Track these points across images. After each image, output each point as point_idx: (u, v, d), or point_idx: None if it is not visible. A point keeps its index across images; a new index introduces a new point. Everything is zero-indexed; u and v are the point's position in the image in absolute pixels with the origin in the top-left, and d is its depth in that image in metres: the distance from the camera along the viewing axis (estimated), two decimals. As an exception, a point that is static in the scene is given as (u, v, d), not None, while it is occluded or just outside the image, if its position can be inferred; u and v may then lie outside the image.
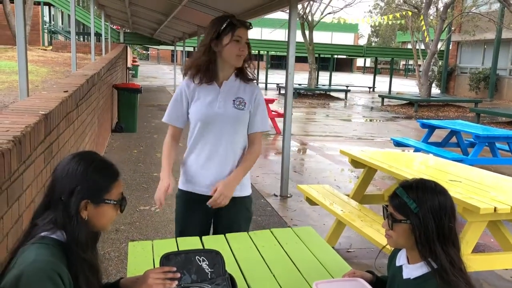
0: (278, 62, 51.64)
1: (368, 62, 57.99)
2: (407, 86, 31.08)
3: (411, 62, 43.37)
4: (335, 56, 32.46)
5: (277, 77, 30.78)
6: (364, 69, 58.14)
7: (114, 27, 21.34)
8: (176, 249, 2.03)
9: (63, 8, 27.27)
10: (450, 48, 25.24)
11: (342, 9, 23.02)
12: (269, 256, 2.00)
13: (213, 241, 2.13)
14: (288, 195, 5.48)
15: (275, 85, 23.75)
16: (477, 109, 15.18)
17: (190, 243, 2.09)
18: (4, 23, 19.37)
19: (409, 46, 27.15)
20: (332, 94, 21.74)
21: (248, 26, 2.21)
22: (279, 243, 2.15)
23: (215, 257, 1.59)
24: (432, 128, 8.13)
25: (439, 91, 24.93)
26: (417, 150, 7.36)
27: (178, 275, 1.52)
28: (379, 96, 19.24)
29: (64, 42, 22.07)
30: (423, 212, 1.44)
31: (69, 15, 28.10)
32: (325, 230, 4.24)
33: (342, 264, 1.96)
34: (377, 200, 4.49)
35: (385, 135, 10.72)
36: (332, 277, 1.83)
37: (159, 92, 18.54)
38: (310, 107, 16.85)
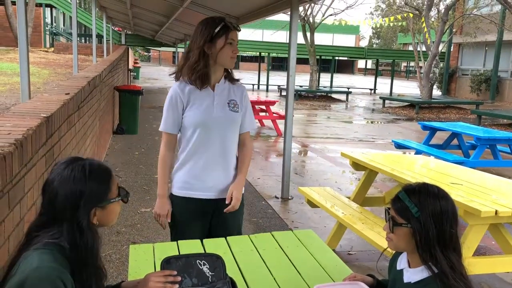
0: (279, 64, 51.69)
1: (370, 64, 57.97)
2: (408, 88, 31.06)
3: (412, 64, 43.33)
4: (336, 58, 32.48)
5: (278, 78, 30.80)
6: (365, 71, 58.13)
7: (115, 28, 21.38)
8: (177, 252, 2.03)
9: (64, 10, 27.34)
10: (452, 50, 25.24)
11: (343, 10, 23.00)
12: (270, 259, 2.00)
13: (214, 244, 2.13)
14: (289, 197, 5.48)
15: (276, 87, 23.76)
16: (479, 111, 15.16)
17: (191, 246, 2.09)
18: (6, 25, 19.43)
19: (410, 48, 27.16)
20: (333, 96, 21.73)
21: (239, 29, 2.24)
22: (280, 246, 2.15)
23: (215, 261, 1.59)
24: (433, 130, 8.13)
25: (440, 93, 24.91)
26: (418, 152, 7.36)
27: (179, 278, 1.52)
28: (380, 98, 19.24)
29: (65, 44, 22.11)
30: (424, 217, 1.44)
31: (70, 17, 28.16)
32: (326, 232, 4.23)
33: (343, 267, 1.96)
34: (378, 203, 4.49)
35: (386, 137, 10.71)
36: (333, 280, 1.83)
37: (160, 94, 18.55)
38: (311, 109, 16.85)
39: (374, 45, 65.48)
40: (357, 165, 4.23)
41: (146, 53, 57.79)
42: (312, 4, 19.71)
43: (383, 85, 30.40)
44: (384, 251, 1.71)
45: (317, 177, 6.63)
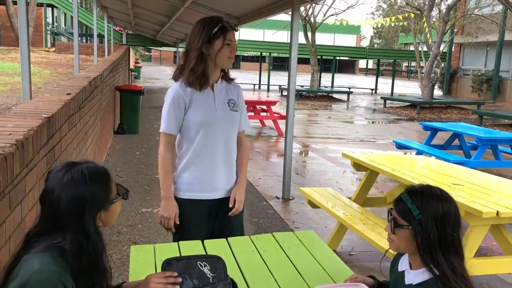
0: (280, 64, 51.68)
1: (371, 64, 57.94)
2: (410, 88, 31.04)
3: (413, 64, 43.30)
4: (338, 58, 32.46)
5: (279, 78, 30.80)
6: (366, 71, 58.10)
7: (116, 28, 21.38)
8: (178, 253, 2.03)
9: (66, 10, 27.36)
10: (453, 50, 25.21)
11: (344, 10, 23.03)
12: (271, 260, 2.00)
13: (215, 245, 2.12)
14: (290, 198, 5.48)
15: (278, 87, 23.75)
16: (480, 111, 15.15)
17: (192, 247, 2.09)
18: (7, 25, 19.45)
19: (412, 48, 27.13)
20: (335, 96, 21.72)
21: (237, 29, 2.24)
22: (281, 247, 2.15)
23: (216, 262, 1.59)
24: (434, 131, 8.12)
25: (441, 93, 24.88)
26: (419, 152, 7.35)
27: (180, 279, 1.52)
28: (382, 98, 19.23)
29: (67, 43, 22.12)
30: (426, 219, 1.43)
31: (72, 17, 28.17)
32: (327, 233, 4.23)
33: (344, 268, 1.96)
34: (379, 203, 4.49)
35: (387, 137, 10.70)
36: (334, 282, 1.83)
37: (161, 94, 18.55)
38: (312, 109, 16.85)
39: (375, 45, 65.45)
40: (358, 166, 4.22)
41: (147, 53, 57.85)
42: (313, 4, 19.69)
43: (384, 85, 30.38)
44: (386, 253, 1.71)
45: (318, 177, 6.62)
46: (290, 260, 2.01)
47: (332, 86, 26.50)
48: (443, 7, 20.17)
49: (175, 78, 2.27)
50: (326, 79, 29.58)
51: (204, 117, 2.22)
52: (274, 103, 10.88)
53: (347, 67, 57.54)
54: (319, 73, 22.89)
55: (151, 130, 9.74)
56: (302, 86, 22.30)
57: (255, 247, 2.13)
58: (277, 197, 5.49)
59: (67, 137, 3.17)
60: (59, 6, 26.12)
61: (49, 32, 26.87)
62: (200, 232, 2.30)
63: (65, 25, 32.70)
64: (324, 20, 22.35)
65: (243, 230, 2.45)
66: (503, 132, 7.80)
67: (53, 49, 21.16)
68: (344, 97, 21.52)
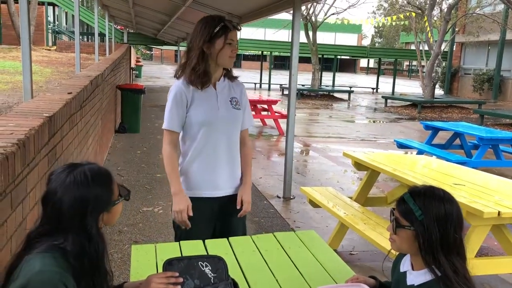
0: (282, 63, 51.64)
1: (372, 63, 57.89)
2: (411, 87, 31.01)
3: (414, 63, 43.27)
4: (339, 57, 32.43)
5: (280, 77, 30.78)
6: (367, 70, 58.04)
7: (118, 27, 21.38)
8: (179, 253, 2.03)
9: (67, 9, 27.34)
10: (454, 49, 25.17)
11: (345, 10, 23.02)
12: (272, 260, 2.00)
13: (216, 245, 2.13)
14: (291, 197, 5.48)
15: (279, 85, 23.74)
16: (481, 110, 15.13)
17: (193, 247, 2.09)
18: (9, 23, 19.46)
19: (413, 47, 27.10)
20: (336, 95, 21.71)
21: (237, 27, 2.22)
22: (282, 247, 2.14)
23: (217, 262, 1.59)
24: (435, 130, 8.11)
25: (442, 92, 24.86)
26: (420, 152, 7.35)
27: (181, 280, 1.52)
28: (383, 97, 19.21)
29: (68, 42, 22.12)
30: (428, 220, 1.43)
31: (73, 16, 28.17)
32: (328, 232, 4.23)
33: (345, 269, 1.96)
34: (380, 203, 4.48)
35: (389, 136, 10.70)
36: (335, 282, 1.83)
37: (162, 93, 18.55)
38: (313, 108, 16.84)
39: (377, 44, 65.39)
40: (359, 165, 4.22)
41: (148, 52, 57.84)
42: (315, 3, 19.68)
43: (385, 84, 30.35)
44: (388, 253, 1.70)
45: (319, 177, 6.62)
46: (291, 260, 2.01)
47: (333, 85, 26.48)
48: (445, 6, 20.13)
49: (177, 76, 2.27)
50: (327, 78, 29.56)
51: (205, 116, 2.23)
52: (275, 102, 10.88)
53: (348, 66, 57.48)
54: (320, 72, 22.89)
55: (152, 129, 9.74)
56: (303, 85, 22.29)
57: (256, 247, 2.13)
58: (278, 196, 5.49)
59: (68, 136, 3.17)
60: (60, 4, 26.10)
61: (50, 31, 26.89)
62: (203, 231, 2.30)
63: (66, 23, 32.70)
64: (325, 19, 22.33)
65: (246, 229, 2.45)
66: (505, 132, 7.79)
67: (54, 47, 21.16)
68: (345, 96, 21.50)
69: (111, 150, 7.45)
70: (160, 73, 33.25)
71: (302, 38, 18.75)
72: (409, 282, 1.52)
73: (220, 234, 2.34)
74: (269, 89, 24.16)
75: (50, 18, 27.80)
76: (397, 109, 17.27)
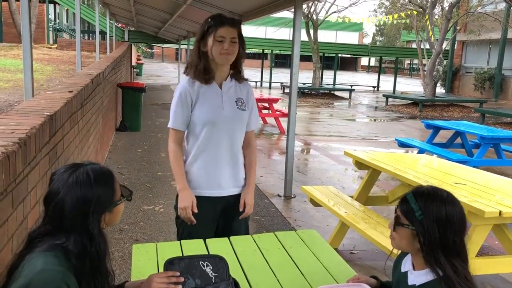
0: (282, 61, 51.60)
1: (373, 61, 57.82)
2: (412, 86, 30.98)
3: (415, 61, 43.22)
4: (340, 55, 32.40)
5: (281, 76, 30.76)
6: (368, 68, 57.99)
7: (119, 25, 21.36)
8: (180, 252, 2.03)
9: (68, 6, 27.32)
10: (455, 47, 25.13)
11: (347, 8, 22.94)
12: (273, 260, 1.99)
13: (217, 244, 2.12)
14: (292, 196, 5.48)
15: (279, 84, 23.73)
16: (482, 109, 15.11)
17: (194, 246, 2.09)
18: (10, 21, 19.45)
19: (414, 46, 27.05)
20: (337, 93, 21.70)
21: (233, 23, 2.18)
22: (283, 246, 2.14)
23: (219, 262, 1.59)
24: (436, 129, 8.11)
25: (444, 91, 24.84)
26: (421, 150, 7.34)
27: (182, 279, 1.52)
28: (384, 95, 19.19)
29: (69, 40, 22.12)
30: (427, 221, 1.43)
31: (74, 13, 28.16)
32: (329, 231, 4.23)
33: (347, 268, 1.96)
34: (381, 202, 4.48)
35: (390, 135, 10.69)
36: (336, 282, 1.82)
37: (163, 91, 18.56)
38: (314, 106, 16.83)
39: (378, 43, 65.29)
40: (360, 164, 4.22)
41: (149, 50, 57.80)
42: (316, 2, 19.65)
43: (386, 82, 30.32)
44: (391, 254, 1.70)
45: (320, 176, 6.62)
46: (292, 260, 2.01)
47: (334, 83, 26.45)
48: (446, 4, 20.09)
49: (186, 73, 2.31)
50: (328, 77, 29.53)
51: (209, 115, 2.24)
52: (276, 100, 10.87)
53: (349, 64, 57.43)
54: (321, 71, 22.87)
55: (153, 127, 9.74)
56: (304, 84, 22.28)
57: (257, 246, 2.13)
58: (278, 195, 5.49)
59: (69, 135, 3.17)
60: (61, 2, 26.07)
61: (51, 29, 26.87)
62: (204, 230, 2.31)
63: (67, 21, 32.68)
64: (326, 18, 22.29)
65: (248, 229, 2.44)
66: (506, 131, 7.79)
67: (55, 45, 21.15)
68: (346, 94, 21.49)
69: (112, 148, 7.45)
70: (161, 71, 33.24)
71: (303, 36, 18.73)
72: (410, 282, 1.52)
73: (223, 233, 2.35)
74: (270, 87, 24.15)
75: (51, 16, 27.78)
76: (398, 107, 17.26)
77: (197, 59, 2.22)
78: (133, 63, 21.88)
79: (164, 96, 16.63)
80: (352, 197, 4.17)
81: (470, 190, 3.15)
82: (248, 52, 2.63)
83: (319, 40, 21.51)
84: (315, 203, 4.14)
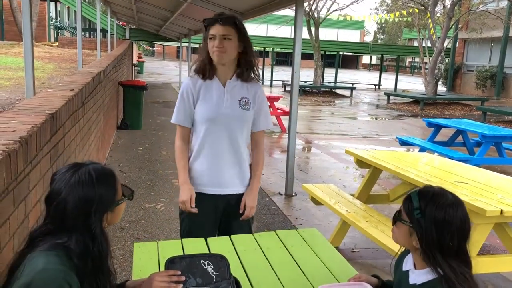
0: (284, 59, 51.55)
1: (374, 59, 57.74)
2: (413, 84, 30.93)
3: (417, 59, 43.14)
4: (341, 53, 32.36)
5: (282, 74, 30.73)
6: (370, 66, 57.92)
7: (120, 23, 21.35)
8: (181, 251, 2.03)
9: (69, 4, 27.30)
10: (457, 45, 25.08)
11: (348, 6, 22.90)
12: (274, 258, 1.99)
13: (218, 243, 2.13)
14: (293, 194, 5.48)
15: (281, 82, 23.71)
16: (484, 107, 15.07)
17: (195, 244, 2.09)
18: (11, 19, 19.46)
19: (416, 44, 27.04)
20: (338, 91, 21.68)
21: (223, 21, 2.17)
22: (284, 245, 2.14)
23: (220, 261, 1.59)
24: (438, 127, 8.09)
25: (445, 89, 24.80)
26: (422, 149, 7.33)
27: (183, 278, 1.52)
28: (385, 93, 19.16)
29: (70, 38, 22.13)
30: (426, 222, 1.44)
31: (75, 11, 28.14)
32: (330, 230, 4.23)
33: (348, 267, 1.96)
34: (382, 200, 4.48)
35: (391, 133, 10.68)
36: (337, 281, 1.82)
37: (164, 89, 18.56)
38: (316, 104, 16.82)
39: (379, 41, 65.20)
40: (361, 163, 4.21)
41: (150, 48, 57.78)
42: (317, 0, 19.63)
43: (388, 80, 30.29)
44: (396, 255, 1.71)
45: (321, 174, 6.62)
46: (293, 259, 2.01)
47: (336, 81, 26.42)
48: (448, 2, 20.04)
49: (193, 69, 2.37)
50: (329, 75, 29.51)
51: (208, 112, 2.25)
52: (277, 98, 10.86)
53: (351, 62, 57.35)
54: (322, 69, 22.84)
55: (154, 125, 9.74)
56: (305, 82, 22.26)
57: (258, 245, 2.13)
58: (280, 194, 5.49)
59: (70, 133, 3.17)
60: (62, 0, 26.07)
61: (52, 27, 26.87)
62: (207, 227, 2.33)
63: (68, 19, 32.68)
64: (327, 15, 22.25)
65: (251, 229, 2.42)
66: (507, 129, 7.78)
67: (56, 43, 21.17)
68: (347, 92, 21.47)
69: (113, 146, 7.46)
70: (162, 69, 33.23)
71: (305, 35, 18.72)
72: (411, 281, 1.52)
73: (224, 232, 2.36)
74: (271, 85, 24.14)
75: (52, 14, 27.78)
76: (399, 106, 17.24)
77: (201, 57, 2.27)
78: (134, 61, 21.88)
79: (165, 94, 16.63)
80: (353, 195, 4.17)
81: (472, 189, 3.15)
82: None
83: (320, 38, 21.48)
84: (316, 201, 4.14)
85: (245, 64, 2.28)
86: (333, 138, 9.78)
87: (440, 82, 20.21)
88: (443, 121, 8.14)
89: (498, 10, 20.26)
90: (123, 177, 5.69)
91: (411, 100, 17.90)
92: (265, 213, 4.81)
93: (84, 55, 8.63)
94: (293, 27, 5.46)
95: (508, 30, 21.03)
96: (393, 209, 4.79)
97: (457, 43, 24.90)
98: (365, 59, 61.29)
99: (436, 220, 1.43)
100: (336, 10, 22.73)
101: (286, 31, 31.52)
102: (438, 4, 19.14)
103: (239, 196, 2.34)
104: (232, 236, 2.21)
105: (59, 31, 27.87)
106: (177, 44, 26.12)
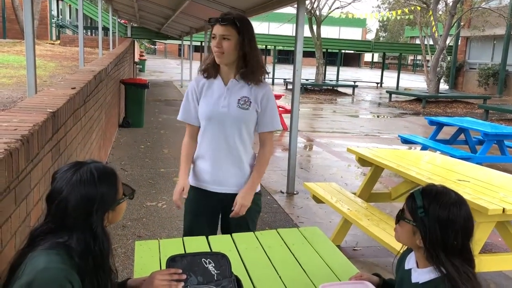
0: (285, 57, 51.50)
1: (376, 57, 57.63)
2: (415, 82, 30.87)
3: (419, 57, 43.02)
4: (343, 51, 32.32)
5: (284, 72, 30.69)
6: (372, 64, 57.83)
7: (121, 21, 21.36)
8: (183, 249, 2.03)
9: (70, 2, 27.33)
10: (459, 43, 25.02)
11: (350, 3, 22.85)
12: (276, 257, 1.99)
13: (219, 241, 2.13)
14: (295, 192, 5.47)
15: (282, 80, 23.69)
16: (486, 105, 15.04)
17: (197, 243, 2.10)
18: (13, 17, 19.48)
19: (418, 41, 26.97)
20: (340, 89, 21.65)
21: (222, 20, 2.16)
22: (286, 244, 2.14)
23: (221, 259, 1.59)
24: (440, 125, 8.07)
25: (447, 87, 24.74)
26: (424, 147, 7.32)
27: (184, 276, 1.52)
28: (387, 92, 19.13)
29: (71, 36, 22.14)
30: (429, 221, 1.43)
31: (76, 9, 28.15)
32: (332, 228, 4.23)
33: (349, 266, 1.96)
34: (384, 199, 4.47)
35: (393, 131, 10.66)
36: (338, 279, 1.82)
37: (166, 87, 18.56)
38: (317, 102, 16.80)
39: (381, 39, 65.07)
40: (363, 161, 4.21)
41: (152, 46, 57.78)
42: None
43: (390, 78, 30.23)
44: (398, 254, 1.70)
45: (323, 172, 6.61)
46: (295, 257, 2.01)
47: (337, 79, 26.39)
48: (450, 0, 19.99)
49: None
50: (331, 73, 29.48)
51: (206, 110, 2.29)
52: (278, 97, 10.85)
53: (353, 60, 57.28)
54: (324, 67, 22.82)
55: (155, 123, 9.75)
56: (307, 80, 22.22)
57: (260, 243, 2.13)
58: (281, 192, 5.49)
59: (72, 131, 3.17)
60: (64, -2, 26.10)
61: (54, 25, 26.89)
62: (204, 221, 2.36)
63: (70, 17, 32.70)
64: (329, 13, 22.22)
65: (254, 229, 2.40)
66: (510, 127, 7.75)
67: (58, 41, 21.18)
68: (349, 90, 21.44)
69: (115, 144, 7.47)
70: (163, 67, 33.23)
71: (306, 32, 18.69)
72: (414, 279, 1.52)
73: (224, 230, 2.39)
74: (272, 83, 24.12)
75: (54, 12, 27.79)
76: (401, 104, 17.21)
77: (209, 55, 2.30)
78: (136, 59, 21.88)
79: (167, 92, 16.63)
80: (355, 193, 4.17)
81: (474, 187, 3.14)
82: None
83: (322, 36, 21.45)
84: (317, 199, 4.14)
85: (249, 65, 2.24)
86: (335, 136, 9.77)
87: (442, 80, 20.15)
88: (445, 119, 8.12)
89: (501, 8, 20.20)
90: (124, 175, 5.69)
91: (413, 98, 17.86)
92: (267, 211, 4.81)
93: (85, 53, 8.63)
94: (295, 25, 5.45)
95: (511, 27, 20.97)
96: (395, 208, 4.79)
97: (459, 41, 24.84)
98: (367, 57, 61.20)
99: (440, 219, 1.42)
100: (338, 8, 22.80)
101: (288, 29, 31.49)
102: (440, 2, 19.09)
103: (234, 196, 2.32)
104: (233, 234, 2.21)
105: (61, 29, 27.90)
106: (179, 42, 26.12)
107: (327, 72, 25.67)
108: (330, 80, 24.87)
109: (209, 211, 2.36)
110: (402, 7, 22.24)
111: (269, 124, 2.33)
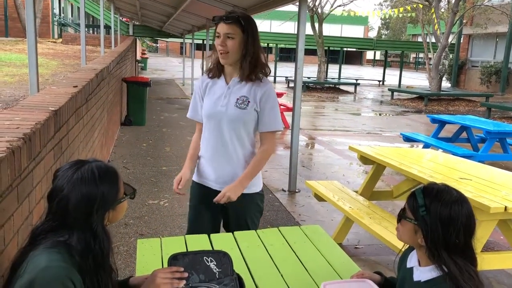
0: (287, 55, 51.45)
1: (378, 55, 57.53)
2: (417, 80, 30.81)
3: (421, 55, 42.94)
4: (345, 49, 32.25)
5: (286, 70, 30.66)
6: (374, 62, 57.71)
7: (123, 19, 21.36)
8: (184, 247, 2.04)
9: (72, 1, 27.35)
10: (461, 41, 24.93)
11: (352, 1, 22.82)
12: (277, 255, 2.00)
13: (221, 240, 2.13)
14: (296, 190, 5.48)
15: (284, 78, 23.67)
16: (488, 103, 15.00)
17: (199, 241, 2.10)
18: (15, 16, 19.49)
19: (420, 39, 26.88)
20: (342, 87, 21.62)
21: (226, 19, 2.14)
22: (287, 242, 2.14)
23: (223, 257, 1.60)
24: (442, 123, 8.06)
25: (449, 85, 24.68)
26: (426, 145, 7.31)
27: (186, 274, 1.52)
28: (389, 89, 19.10)
29: (73, 34, 22.15)
30: (431, 219, 1.43)
31: (78, 8, 28.16)
32: (333, 226, 4.23)
33: (351, 264, 1.96)
34: (386, 197, 4.47)
35: (395, 129, 10.65)
36: (340, 278, 1.82)
37: (168, 85, 18.56)
38: (319, 100, 16.78)
39: (383, 36, 64.91)
40: (365, 159, 4.21)
41: (153, 44, 57.78)
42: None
43: (392, 76, 30.17)
44: (400, 252, 1.70)
45: (325, 170, 6.61)
46: (296, 255, 2.01)
47: (339, 77, 26.36)
48: (452, -3, 19.90)
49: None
50: (333, 71, 29.42)
51: (206, 109, 2.32)
52: (280, 95, 10.82)
53: (355, 58, 57.19)
54: (326, 65, 22.78)
55: (157, 121, 9.75)
56: (309, 78, 22.20)
57: (261, 241, 2.13)
58: (283, 190, 5.50)
59: (74, 129, 3.18)
60: (65, -3, 26.12)
61: (56, 23, 26.91)
62: (205, 216, 2.39)
63: (72, 16, 32.72)
64: (331, 11, 22.18)
65: (254, 229, 2.38)
66: (512, 125, 7.72)
67: (60, 40, 21.19)
68: (351, 88, 21.41)
69: (117, 143, 7.48)
70: (165, 65, 33.23)
71: (308, 30, 18.65)
72: (415, 278, 1.52)
73: (225, 227, 2.42)
74: (274, 81, 24.09)
75: (56, 11, 27.81)
76: (403, 101, 17.18)
77: (213, 54, 2.31)
78: (138, 58, 21.89)
79: (168, 90, 16.64)
80: (356, 192, 4.17)
81: (476, 185, 3.14)
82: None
83: (324, 33, 21.41)
84: (319, 198, 4.14)
85: (251, 64, 2.22)
86: (337, 134, 9.76)
87: (444, 78, 20.11)
88: (447, 117, 8.11)
89: (503, 5, 20.13)
90: (126, 174, 5.70)
91: (415, 96, 17.82)
92: (268, 209, 4.81)
93: (87, 52, 8.64)
94: (296, 23, 5.44)
95: (513, 25, 20.89)
96: (397, 206, 4.78)
97: (462, 38, 24.76)
98: (369, 55, 61.08)
99: (441, 217, 1.42)
100: (340, 5, 22.70)
101: (289, 27, 31.45)
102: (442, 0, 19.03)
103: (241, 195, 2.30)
104: (235, 232, 2.21)
105: (62, 27, 27.92)
106: (181, 40, 26.12)
107: (329, 70, 25.62)
108: (332, 78, 24.85)
109: (209, 207, 2.37)
110: (404, 5, 22.19)
111: (267, 124, 2.29)
